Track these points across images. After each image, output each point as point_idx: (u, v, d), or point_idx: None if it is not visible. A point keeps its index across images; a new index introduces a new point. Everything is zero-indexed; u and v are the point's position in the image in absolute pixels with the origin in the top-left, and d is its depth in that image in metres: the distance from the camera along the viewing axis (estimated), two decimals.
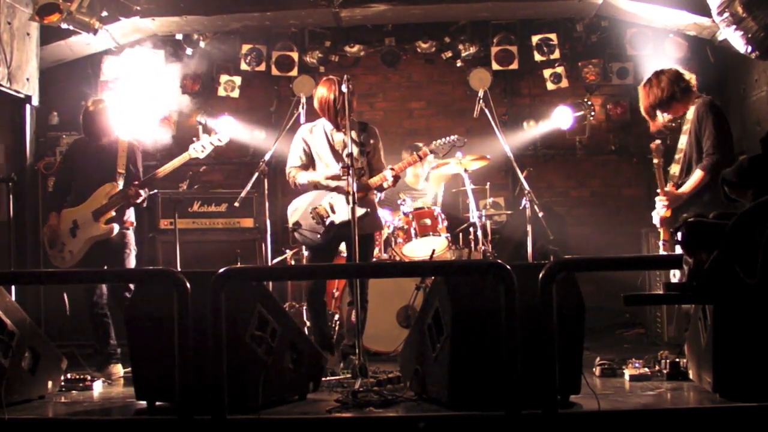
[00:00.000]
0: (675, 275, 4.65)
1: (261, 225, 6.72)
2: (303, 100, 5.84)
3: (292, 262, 6.56)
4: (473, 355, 3.73)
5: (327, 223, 5.19)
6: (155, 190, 6.40)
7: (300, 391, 4.18)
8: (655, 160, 4.83)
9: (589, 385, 3.90)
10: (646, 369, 4.64)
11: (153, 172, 5.66)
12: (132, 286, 5.01)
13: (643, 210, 5.40)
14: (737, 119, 6.83)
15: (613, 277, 6.21)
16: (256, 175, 5.81)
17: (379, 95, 8.30)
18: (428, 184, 7.11)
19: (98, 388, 4.81)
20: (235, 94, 7.90)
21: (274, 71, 7.81)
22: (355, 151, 5.10)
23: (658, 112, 4.99)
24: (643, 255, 5.47)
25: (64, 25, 6.23)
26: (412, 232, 6.25)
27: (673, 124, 5.18)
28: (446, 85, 8.26)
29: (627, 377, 4.57)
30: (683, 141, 4.85)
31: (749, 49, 5.50)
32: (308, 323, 5.94)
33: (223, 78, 7.87)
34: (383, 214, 6.23)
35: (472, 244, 6.47)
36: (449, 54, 7.93)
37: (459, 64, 7.97)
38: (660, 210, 4.81)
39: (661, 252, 5.04)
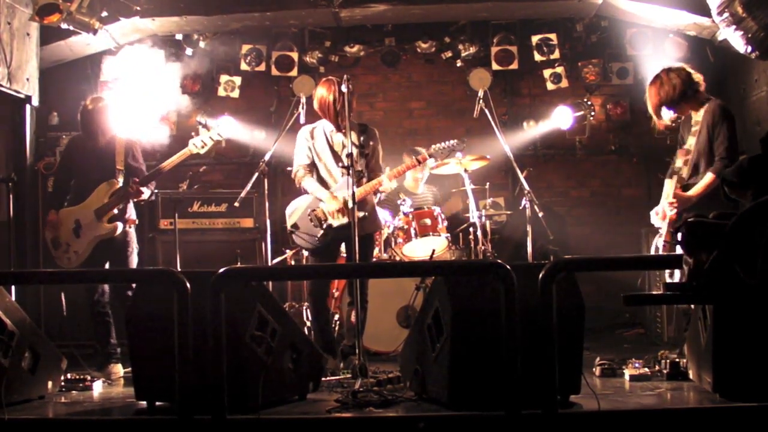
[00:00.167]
0: (675, 275, 4.65)
1: (261, 225, 6.72)
2: (303, 100, 5.84)
3: (292, 262, 6.56)
4: (473, 355, 3.73)
5: (325, 226, 5.19)
6: (156, 190, 6.40)
7: (300, 391, 4.18)
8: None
9: (589, 385, 3.90)
10: (646, 369, 4.64)
11: (154, 168, 5.65)
12: (133, 285, 5.02)
13: (643, 210, 5.38)
14: (737, 119, 6.80)
15: (613, 277, 6.21)
16: (256, 175, 5.81)
17: (379, 95, 8.30)
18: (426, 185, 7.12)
19: (98, 388, 4.81)
20: (235, 94, 7.90)
21: (274, 71, 7.80)
22: (355, 152, 5.10)
23: (664, 110, 4.98)
24: (643, 255, 5.47)
25: (64, 25, 6.23)
26: (412, 232, 6.26)
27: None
28: (446, 85, 8.26)
29: (627, 377, 4.57)
30: (691, 142, 4.84)
31: (749, 49, 5.50)
32: (308, 323, 5.94)
33: (223, 78, 7.87)
34: (383, 214, 6.24)
35: (472, 244, 6.48)
36: (449, 54, 7.93)
37: (459, 64, 7.97)
38: (669, 212, 4.80)
39: (659, 252, 5.05)
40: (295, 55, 7.79)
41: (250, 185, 5.87)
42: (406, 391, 4.25)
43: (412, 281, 5.87)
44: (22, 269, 6.38)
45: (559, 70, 7.71)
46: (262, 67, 7.84)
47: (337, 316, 6.09)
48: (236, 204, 5.91)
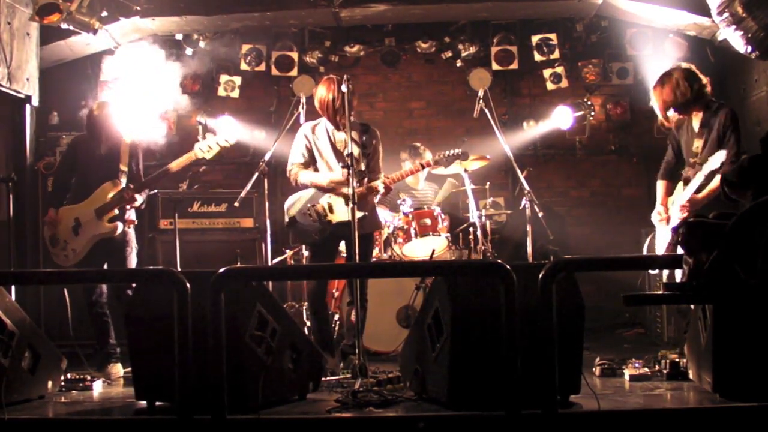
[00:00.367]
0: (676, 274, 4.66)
1: (261, 225, 6.72)
2: (303, 100, 5.84)
3: (292, 262, 6.56)
4: (473, 355, 3.73)
5: (324, 221, 5.19)
6: (155, 190, 6.40)
7: (300, 391, 4.18)
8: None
9: (589, 385, 3.90)
10: (646, 369, 4.64)
11: (153, 173, 5.66)
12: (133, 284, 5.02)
13: (643, 210, 5.39)
14: (739, 120, 6.82)
15: (613, 277, 6.21)
16: (256, 175, 5.81)
17: (379, 95, 8.30)
18: (427, 183, 7.12)
19: (98, 388, 4.81)
20: (235, 94, 7.90)
21: (274, 71, 7.81)
22: (356, 151, 5.11)
23: (671, 111, 4.99)
24: (643, 255, 5.47)
25: (64, 25, 6.23)
26: (412, 232, 6.26)
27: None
28: (446, 85, 8.26)
29: (627, 377, 4.57)
30: (698, 144, 4.86)
31: (749, 49, 5.50)
32: (308, 323, 5.94)
33: (223, 78, 7.87)
34: (383, 214, 6.24)
35: (472, 244, 6.48)
36: (449, 54, 7.93)
37: (459, 64, 7.96)
38: (679, 216, 4.82)
39: (658, 252, 5.07)
40: (295, 55, 7.79)
41: (250, 185, 5.87)
42: (406, 391, 4.25)
43: (412, 281, 5.87)
44: (22, 269, 6.38)
45: (559, 70, 7.71)
46: (262, 67, 7.84)
47: (337, 316, 6.09)
48: (236, 204, 5.90)
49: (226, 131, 5.88)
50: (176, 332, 3.24)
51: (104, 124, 5.53)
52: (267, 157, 5.80)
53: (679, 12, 6.71)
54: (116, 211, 5.45)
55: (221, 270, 3.32)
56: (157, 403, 4.03)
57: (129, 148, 5.59)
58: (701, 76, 4.93)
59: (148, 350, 4.01)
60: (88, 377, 4.85)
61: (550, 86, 7.76)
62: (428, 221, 6.27)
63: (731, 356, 3.76)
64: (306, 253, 5.62)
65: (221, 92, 7.88)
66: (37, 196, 6.88)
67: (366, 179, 5.22)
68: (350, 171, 4.78)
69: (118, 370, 5.29)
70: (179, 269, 5.58)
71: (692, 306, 4.42)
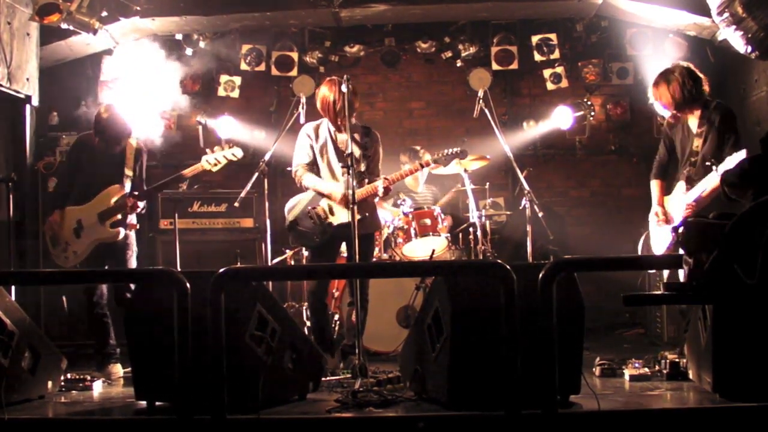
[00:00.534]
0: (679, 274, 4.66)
1: (261, 225, 6.72)
2: (303, 100, 5.85)
3: (292, 262, 6.56)
4: (473, 355, 3.73)
5: (325, 224, 5.20)
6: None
7: (300, 391, 4.18)
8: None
9: (589, 385, 3.90)
10: (646, 369, 4.64)
11: (156, 183, 5.66)
12: (132, 286, 5.01)
13: (643, 210, 5.38)
14: (737, 119, 6.81)
15: (613, 277, 6.21)
16: (256, 175, 5.81)
17: (379, 95, 8.30)
18: (426, 185, 7.12)
19: (98, 388, 4.81)
20: (235, 94, 7.90)
21: (274, 71, 7.81)
22: (358, 152, 5.12)
23: (663, 110, 5.00)
24: (643, 255, 5.47)
25: (64, 25, 6.23)
26: (412, 232, 6.26)
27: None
28: (446, 85, 8.26)
29: (627, 377, 4.57)
30: (697, 143, 4.86)
31: (749, 49, 5.50)
32: (308, 323, 5.94)
33: (223, 78, 7.87)
34: (383, 214, 6.24)
35: (472, 244, 6.48)
36: (449, 54, 7.93)
37: (459, 64, 7.97)
38: (682, 215, 4.83)
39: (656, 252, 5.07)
40: (295, 55, 7.79)
41: (249, 185, 5.87)
42: (406, 391, 4.25)
43: (412, 281, 5.87)
44: (22, 269, 6.38)
45: (559, 70, 7.71)
46: (262, 67, 7.84)
47: (337, 316, 6.09)
48: (236, 204, 5.90)
49: (235, 147, 5.77)
50: (176, 332, 3.24)
51: (111, 127, 5.50)
52: (267, 157, 5.80)
53: (679, 12, 6.71)
54: (119, 216, 5.45)
55: (221, 270, 3.32)
56: (157, 403, 4.03)
57: (134, 152, 5.59)
58: (700, 74, 4.95)
59: (148, 350, 4.01)
60: (88, 377, 4.85)
61: (550, 86, 7.76)
62: (428, 221, 6.27)
63: (731, 356, 3.76)
64: (306, 254, 5.62)
65: (221, 92, 7.88)
66: (37, 196, 6.88)
67: (366, 181, 5.23)
68: (350, 171, 4.79)
69: (118, 370, 5.29)
70: (179, 269, 5.58)
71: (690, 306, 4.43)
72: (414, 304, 5.78)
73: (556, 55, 7.64)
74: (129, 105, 6.52)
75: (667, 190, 5.17)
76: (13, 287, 5.15)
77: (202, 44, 7.73)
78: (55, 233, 5.53)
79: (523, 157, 7.64)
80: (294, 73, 7.79)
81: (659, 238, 5.13)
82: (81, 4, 6.11)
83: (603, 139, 8.06)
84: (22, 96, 6.71)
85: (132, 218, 5.58)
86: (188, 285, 3.26)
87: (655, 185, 5.25)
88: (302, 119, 5.68)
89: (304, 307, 6.25)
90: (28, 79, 6.67)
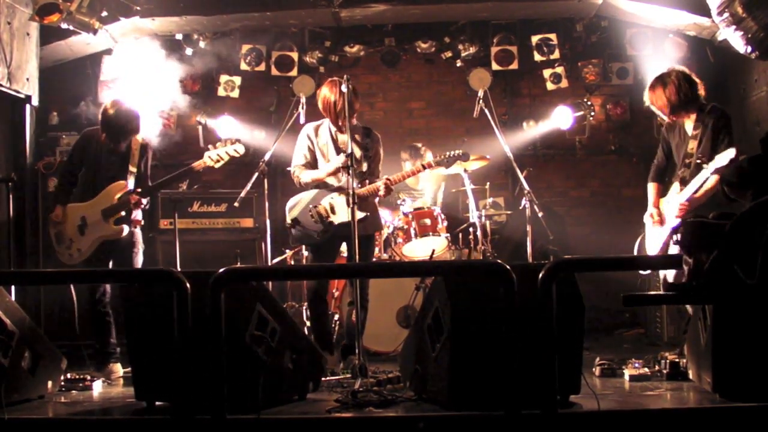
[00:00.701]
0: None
1: (261, 225, 6.72)
2: (303, 100, 5.85)
3: (292, 262, 6.56)
4: (473, 355, 3.73)
5: (326, 222, 5.20)
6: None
7: (300, 391, 4.18)
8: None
9: (588, 385, 3.91)
10: (646, 369, 4.64)
11: (160, 179, 5.66)
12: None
13: (643, 210, 5.39)
14: (737, 119, 6.79)
15: (613, 277, 6.21)
16: (256, 175, 5.81)
17: (379, 95, 8.30)
18: (427, 183, 7.12)
19: (98, 388, 4.81)
20: (235, 94, 7.90)
21: (274, 71, 7.81)
22: (358, 153, 5.12)
23: (659, 112, 5.02)
24: (643, 255, 5.47)
25: (64, 25, 6.23)
26: (412, 232, 6.26)
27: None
28: (446, 85, 8.26)
29: (627, 377, 4.58)
30: (692, 145, 4.87)
31: (749, 49, 5.50)
32: (308, 323, 5.94)
33: (223, 78, 7.87)
34: (383, 214, 6.24)
35: (472, 244, 6.48)
36: (449, 54, 7.93)
37: (459, 64, 7.97)
38: (676, 215, 4.84)
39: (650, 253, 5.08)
40: (295, 55, 7.79)
41: (249, 185, 5.87)
42: (406, 391, 4.25)
43: (412, 281, 5.87)
44: (22, 269, 6.38)
45: (559, 70, 7.71)
46: (262, 67, 7.84)
47: (337, 316, 6.09)
48: (236, 204, 5.91)
49: (237, 143, 5.76)
50: (176, 332, 3.24)
51: (117, 123, 5.49)
52: (267, 157, 5.81)
53: (679, 12, 6.71)
54: (123, 213, 5.45)
55: (221, 270, 3.32)
56: (157, 403, 4.03)
57: (139, 148, 5.59)
58: (696, 78, 4.97)
59: (148, 350, 4.01)
60: (88, 377, 4.85)
61: (550, 86, 7.76)
62: (428, 221, 6.27)
63: (731, 356, 3.76)
64: (306, 254, 5.62)
65: (221, 92, 7.88)
66: (37, 196, 6.87)
67: (367, 181, 5.23)
68: (350, 171, 4.79)
69: (117, 369, 5.29)
70: (179, 269, 5.58)
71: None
72: (414, 304, 5.78)
73: (556, 55, 7.64)
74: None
75: (663, 192, 5.19)
76: (13, 287, 5.14)
77: (202, 44, 7.73)
78: (60, 231, 5.53)
79: (523, 157, 7.64)
80: (294, 73, 7.79)
81: (654, 239, 5.15)
82: (81, 4, 6.11)
83: (603, 139, 8.06)
84: (22, 96, 6.71)
85: (137, 214, 5.58)
86: (188, 285, 3.26)
87: (651, 188, 5.28)
88: (302, 119, 5.69)
89: (304, 307, 6.25)
90: (28, 79, 6.67)
